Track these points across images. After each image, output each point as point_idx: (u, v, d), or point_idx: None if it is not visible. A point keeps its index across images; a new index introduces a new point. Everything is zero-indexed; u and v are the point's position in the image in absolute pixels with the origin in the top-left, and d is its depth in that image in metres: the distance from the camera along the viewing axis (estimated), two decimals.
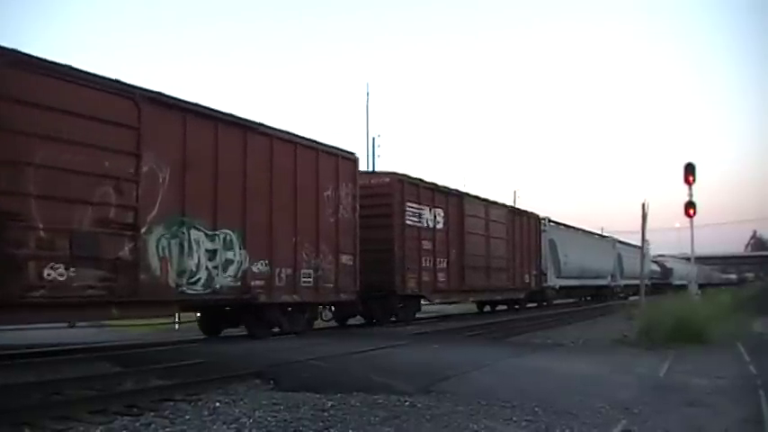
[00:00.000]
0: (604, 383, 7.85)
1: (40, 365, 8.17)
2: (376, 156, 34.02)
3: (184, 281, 9.90)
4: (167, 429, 5.24)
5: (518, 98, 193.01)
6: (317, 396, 6.54)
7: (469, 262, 19.09)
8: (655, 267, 50.11)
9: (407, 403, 6.33)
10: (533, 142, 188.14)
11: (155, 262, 9.41)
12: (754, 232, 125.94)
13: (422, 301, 17.89)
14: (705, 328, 12.48)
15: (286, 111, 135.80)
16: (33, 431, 5.22)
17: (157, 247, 9.47)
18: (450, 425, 5.53)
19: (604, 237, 40.55)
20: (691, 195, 17.58)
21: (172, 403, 6.16)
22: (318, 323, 14.18)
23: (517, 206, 24.63)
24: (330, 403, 6.21)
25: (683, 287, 44.17)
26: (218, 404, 6.14)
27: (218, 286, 10.54)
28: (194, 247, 10.11)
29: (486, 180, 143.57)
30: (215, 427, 5.34)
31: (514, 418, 5.81)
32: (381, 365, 8.44)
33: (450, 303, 20.96)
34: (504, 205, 22.74)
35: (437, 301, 18.43)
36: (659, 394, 7.21)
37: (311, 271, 12.49)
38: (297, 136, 12.48)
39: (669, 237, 71.93)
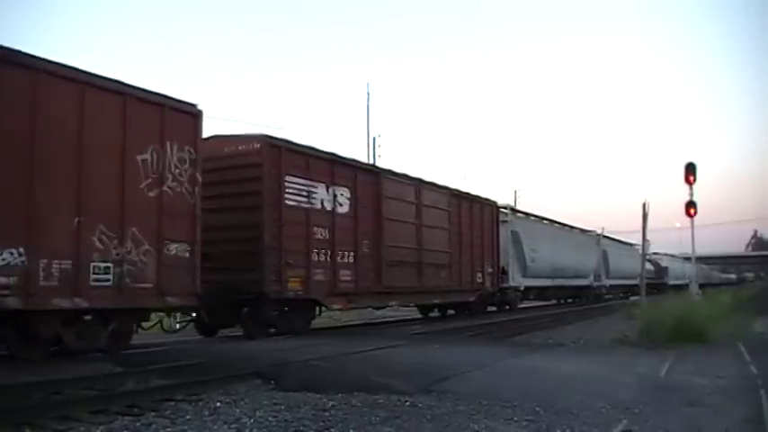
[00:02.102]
0: (605, 383, 7.85)
1: (40, 365, 8.18)
2: (377, 155, 34.02)
3: None
4: (168, 429, 5.24)
5: (519, 98, 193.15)
6: (318, 396, 6.54)
7: (390, 256, 15.29)
8: (648, 266, 47.72)
9: (408, 403, 6.33)
10: (534, 142, 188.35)
11: None
12: (755, 232, 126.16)
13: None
14: (706, 327, 12.48)
15: (287, 111, 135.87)
16: (34, 431, 5.22)
17: None
18: (451, 425, 5.53)
19: (586, 231, 35.76)
20: (691, 195, 17.62)
21: (173, 403, 6.15)
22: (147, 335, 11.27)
23: (470, 191, 20.53)
24: (331, 403, 6.21)
25: (678, 287, 42.28)
26: (218, 404, 6.13)
27: None
28: None
29: (486, 179, 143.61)
30: (216, 427, 5.34)
31: (515, 418, 5.81)
32: (382, 365, 8.44)
33: (361, 308, 17.14)
34: (444, 188, 18.55)
35: (337, 306, 14.19)
36: (660, 394, 7.20)
37: (110, 265, 8.99)
38: (86, 73, 9.04)
39: (670, 236, 71.71)
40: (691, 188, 17.57)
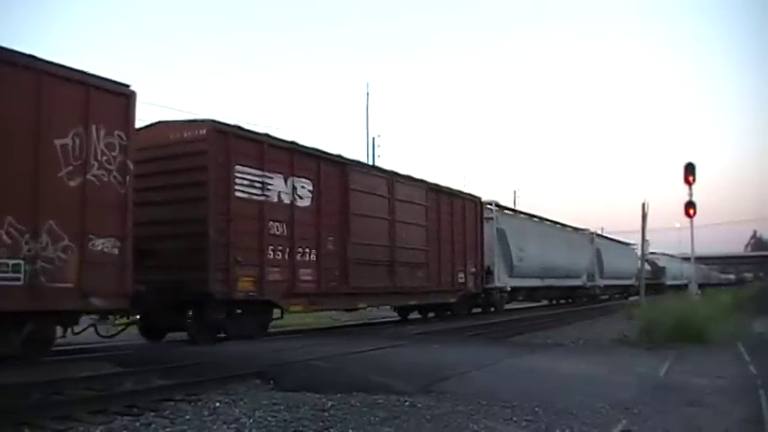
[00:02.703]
0: (604, 383, 7.85)
1: (40, 365, 8.18)
2: (376, 155, 34.04)
3: None
4: (167, 429, 5.24)
5: (518, 98, 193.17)
6: (317, 396, 6.54)
7: (358, 254, 14.19)
8: (645, 266, 46.73)
9: (407, 403, 6.32)
10: (533, 142, 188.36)
11: None
12: (755, 232, 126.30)
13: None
14: (705, 327, 12.49)
15: (287, 111, 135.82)
16: (33, 431, 5.21)
17: None
18: (450, 425, 5.53)
19: (579, 229, 34.22)
20: (691, 195, 17.63)
21: (172, 403, 6.16)
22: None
23: (452, 186, 19.43)
24: (330, 403, 6.21)
25: (676, 287, 41.78)
26: (218, 404, 6.14)
27: None
28: None
29: (486, 180, 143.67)
30: (215, 427, 5.34)
31: (515, 418, 5.81)
32: (381, 365, 8.44)
33: (325, 310, 15.85)
34: (421, 181, 17.39)
35: (297, 308, 12.98)
36: (659, 394, 7.20)
37: (20, 262, 8.02)
38: None
39: (669, 237, 71.79)
40: (690, 188, 17.60)
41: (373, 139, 34.86)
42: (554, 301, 31.16)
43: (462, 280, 19.08)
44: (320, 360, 8.55)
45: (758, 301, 29.66)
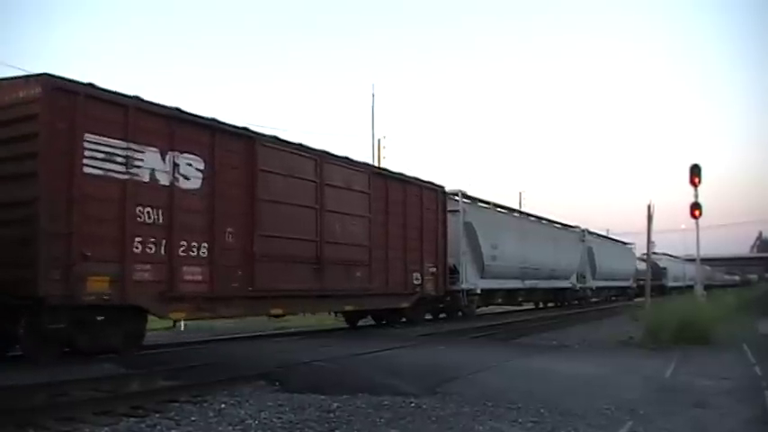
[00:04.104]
0: (610, 384, 7.83)
1: (44, 366, 8.19)
2: (382, 157, 34.00)
3: None
4: (173, 431, 5.25)
5: (524, 101, 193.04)
6: (323, 397, 6.53)
7: (270, 250, 11.70)
8: (643, 267, 40.68)
9: (413, 404, 6.32)
10: (539, 145, 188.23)
11: None
12: (760, 233, 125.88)
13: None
14: (710, 329, 12.47)
15: (293, 112, 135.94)
16: None
17: None
18: (456, 426, 5.53)
19: (568, 226, 30.76)
20: (696, 197, 17.59)
21: (177, 404, 6.16)
22: None
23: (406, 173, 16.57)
24: (336, 404, 6.21)
25: (678, 289, 39.67)
26: (223, 405, 6.14)
27: None
28: None
29: (491, 181, 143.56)
30: (220, 428, 5.34)
31: (520, 420, 5.80)
32: (387, 367, 8.43)
33: (222, 318, 12.47)
34: (363, 164, 15.14)
35: (179, 315, 10.70)
36: (665, 395, 7.19)
37: None
38: None
39: (674, 238, 71.50)
40: (695, 190, 17.55)
41: (379, 140, 34.70)
42: (542, 305, 28.64)
43: (418, 281, 16.49)
44: (325, 361, 8.55)
45: (763, 303, 29.59)
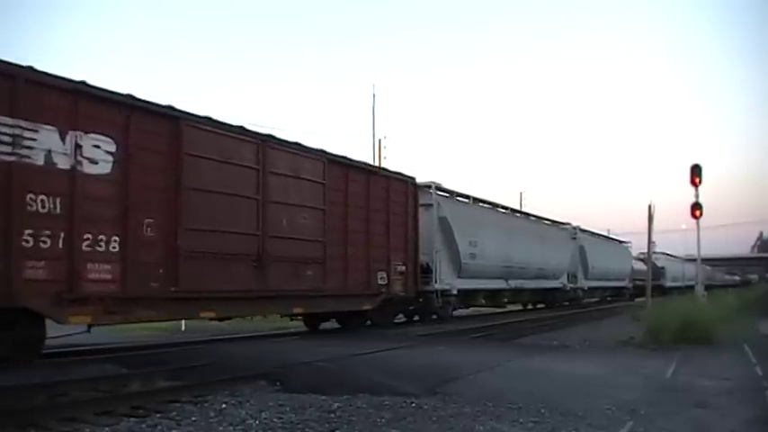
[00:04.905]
0: (611, 385, 7.83)
1: (46, 367, 8.19)
2: (383, 157, 34.02)
3: None
4: (174, 431, 5.25)
5: (525, 101, 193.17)
6: (324, 398, 6.53)
7: (198, 245, 10.35)
8: (640, 266, 39.24)
9: (413, 405, 6.31)
10: (540, 145, 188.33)
11: None
12: (761, 233, 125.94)
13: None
14: (711, 329, 12.47)
15: (294, 112, 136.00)
16: None
17: None
18: (457, 426, 5.52)
19: (558, 223, 29.20)
20: (697, 197, 17.60)
21: (178, 405, 6.17)
22: None
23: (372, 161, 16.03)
24: (336, 405, 6.20)
25: (677, 289, 38.07)
26: (224, 405, 6.14)
27: None
28: None
29: (493, 181, 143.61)
30: (221, 428, 5.34)
31: (521, 420, 5.79)
32: (387, 367, 8.43)
33: (137, 322, 10.77)
34: (318, 151, 13.23)
35: (82, 319, 8.84)
36: (665, 395, 7.19)
37: None
38: None
39: (675, 238, 71.54)
40: (696, 190, 17.57)
41: (380, 140, 34.70)
42: (530, 306, 27.38)
43: (384, 281, 15.07)
44: (326, 361, 8.55)
45: (764, 303, 29.60)
